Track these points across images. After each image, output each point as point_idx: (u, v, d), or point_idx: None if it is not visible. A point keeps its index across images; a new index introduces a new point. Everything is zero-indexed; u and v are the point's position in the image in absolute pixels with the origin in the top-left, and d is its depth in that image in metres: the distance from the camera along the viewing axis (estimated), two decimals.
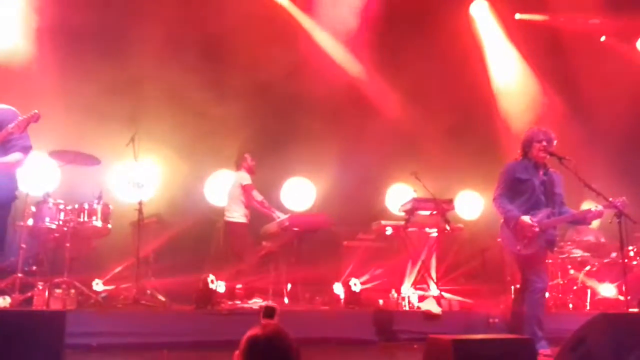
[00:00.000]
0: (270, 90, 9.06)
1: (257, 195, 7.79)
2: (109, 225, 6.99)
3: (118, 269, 7.20)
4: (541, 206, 5.34)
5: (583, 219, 5.47)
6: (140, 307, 6.48)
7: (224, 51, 8.54)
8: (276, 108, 9.14)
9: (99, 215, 6.86)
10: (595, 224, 8.08)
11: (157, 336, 5.62)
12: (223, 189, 8.33)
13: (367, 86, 9.83)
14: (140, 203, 6.97)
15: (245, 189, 7.74)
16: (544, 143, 5.35)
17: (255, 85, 8.89)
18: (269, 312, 3.01)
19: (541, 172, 5.44)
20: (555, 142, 5.39)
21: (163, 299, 6.98)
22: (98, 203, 6.88)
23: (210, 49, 8.48)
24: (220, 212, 8.04)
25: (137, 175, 7.07)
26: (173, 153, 8.54)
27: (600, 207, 5.27)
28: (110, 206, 7.08)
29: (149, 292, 7.02)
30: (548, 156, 5.38)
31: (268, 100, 9.18)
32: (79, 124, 7.58)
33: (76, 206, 6.78)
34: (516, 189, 5.38)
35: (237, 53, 8.50)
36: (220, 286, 6.84)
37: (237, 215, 7.72)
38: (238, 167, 7.99)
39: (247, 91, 8.88)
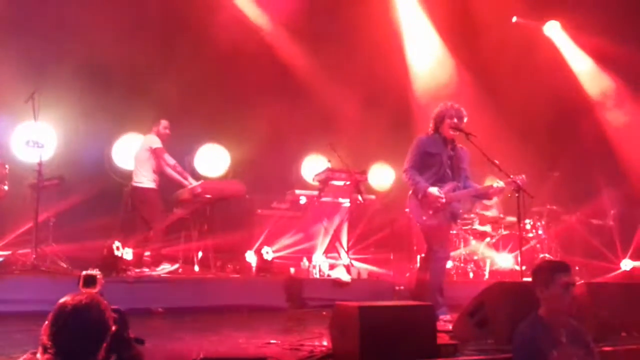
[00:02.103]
0: (184, 54, 8.73)
1: (169, 159, 7.52)
2: (5, 187, 6.54)
3: (15, 233, 6.78)
4: (447, 180, 5.52)
5: (485, 194, 5.73)
6: (39, 274, 6.16)
7: (135, 8, 8.10)
8: (190, 72, 8.81)
9: None
10: (496, 198, 8.56)
11: (56, 304, 5.36)
12: (132, 153, 7.99)
13: (286, 55, 9.71)
14: (39, 164, 6.55)
15: (157, 153, 7.43)
16: (455, 120, 5.50)
17: (167, 47, 8.53)
18: (88, 280, 2.96)
19: (449, 147, 5.59)
20: (465, 120, 5.56)
21: (64, 265, 6.66)
22: None
23: (118, 5, 8.00)
24: (128, 176, 7.72)
25: (37, 134, 6.62)
26: (78, 113, 8.05)
27: (501, 183, 5.51)
28: (6, 166, 6.61)
29: (49, 259, 6.67)
30: (457, 132, 5.54)
31: (183, 64, 8.83)
32: None
33: None
34: (425, 162, 5.52)
35: (148, 12, 8.10)
36: (127, 253, 6.63)
37: (145, 180, 7.41)
38: (149, 130, 7.67)
39: (159, 53, 8.51)
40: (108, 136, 8.71)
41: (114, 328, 2.35)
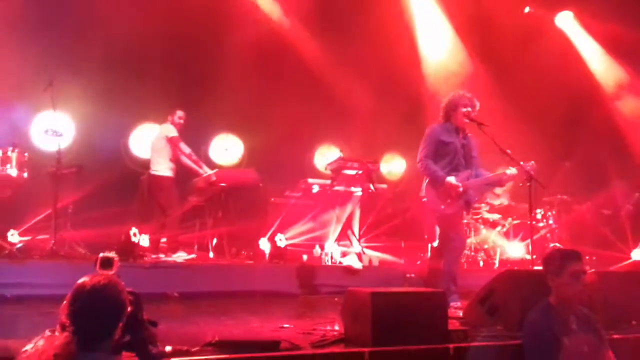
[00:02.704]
0: (200, 45, 8.80)
1: (185, 148, 7.63)
2: (25, 174, 6.66)
3: (35, 219, 6.92)
4: (461, 168, 5.52)
5: (498, 181, 5.75)
6: (58, 258, 6.29)
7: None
8: (206, 61, 8.90)
9: (14, 163, 6.52)
10: (507, 187, 8.60)
11: None
12: (148, 142, 8.10)
13: (300, 44, 9.75)
14: (58, 152, 6.67)
15: (172, 141, 7.55)
16: (469, 108, 5.50)
17: (184, 38, 8.60)
18: (105, 262, 3.05)
19: (461, 136, 5.60)
20: (477, 108, 5.55)
21: (82, 251, 6.80)
22: (13, 151, 6.53)
23: None
24: (145, 164, 7.83)
25: (56, 123, 6.74)
26: (95, 102, 8.16)
27: (514, 170, 5.50)
28: (26, 154, 6.74)
29: (67, 245, 6.81)
30: (469, 122, 5.55)
31: (198, 55, 8.92)
32: None
33: None
34: (440, 151, 5.51)
35: (164, 3, 8.17)
36: (143, 239, 6.75)
37: (162, 168, 7.53)
38: (165, 119, 7.77)
39: (177, 44, 8.58)
40: (125, 125, 8.83)
41: (129, 309, 2.41)
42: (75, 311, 2.24)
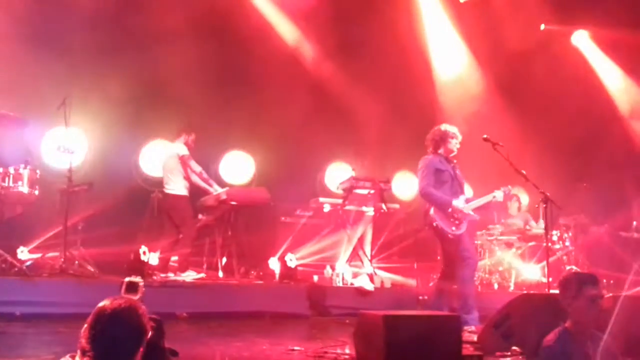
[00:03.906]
0: (211, 62, 8.84)
1: (196, 166, 7.59)
2: (36, 192, 6.66)
3: (44, 237, 6.91)
4: (459, 193, 5.84)
5: (488, 204, 6.10)
6: (68, 277, 6.25)
7: (165, 17, 8.24)
8: (216, 80, 8.93)
9: (25, 180, 6.51)
10: (513, 207, 8.66)
11: (83, 307, 5.41)
12: (159, 160, 8.09)
13: (313, 63, 9.78)
14: (70, 170, 6.68)
15: (183, 160, 7.51)
16: (455, 140, 5.89)
17: (195, 54, 8.65)
18: (131, 287, 3.00)
19: (451, 165, 5.95)
20: (460, 140, 5.94)
21: (92, 269, 6.77)
22: (25, 168, 6.53)
23: (149, 14, 8.15)
24: (155, 182, 7.81)
25: (68, 141, 6.75)
26: (107, 120, 8.19)
27: (500, 194, 5.91)
28: (37, 171, 6.75)
29: (77, 262, 6.78)
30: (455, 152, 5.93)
31: (209, 73, 8.95)
32: (4, 83, 7.12)
33: (0, 170, 6.42)
34: (439, 179, 5.80)
35: (177, 20, 8.24)
36: (152, 258, 6.70)
37: (178, 187, 7.44)
38: (176, 137, 7.76)
39: (189, 61, 8.62)
40: (136, 143, 8.85)
41: (149, 335, 2.36)
42: (95, 336, 2.19)
